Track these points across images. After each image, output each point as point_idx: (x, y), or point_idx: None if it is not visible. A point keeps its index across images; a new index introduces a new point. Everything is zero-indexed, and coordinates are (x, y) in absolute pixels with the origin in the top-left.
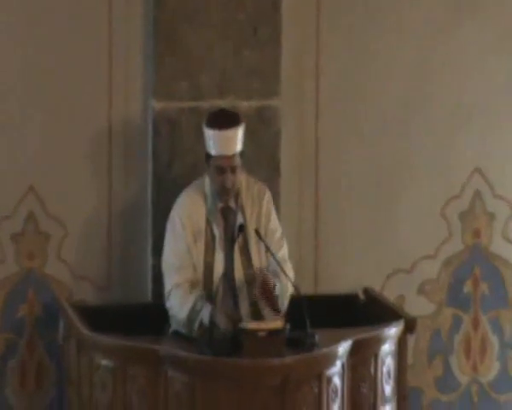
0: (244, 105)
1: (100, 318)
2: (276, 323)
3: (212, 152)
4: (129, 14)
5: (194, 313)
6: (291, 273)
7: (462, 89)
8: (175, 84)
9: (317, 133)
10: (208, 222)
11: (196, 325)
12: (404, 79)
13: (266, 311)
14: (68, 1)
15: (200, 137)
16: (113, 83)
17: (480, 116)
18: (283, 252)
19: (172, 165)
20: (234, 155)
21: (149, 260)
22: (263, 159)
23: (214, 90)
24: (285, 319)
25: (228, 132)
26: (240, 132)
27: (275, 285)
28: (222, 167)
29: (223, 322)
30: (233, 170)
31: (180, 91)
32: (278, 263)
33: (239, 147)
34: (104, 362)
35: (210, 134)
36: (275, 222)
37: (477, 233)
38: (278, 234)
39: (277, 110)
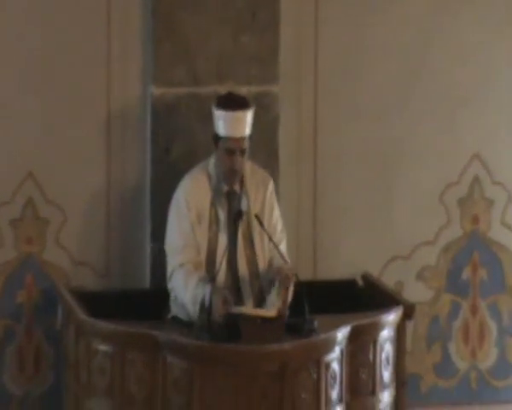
0: (243, 91)
1: (98, 303)
2: (270, 311)
3: (222, 133)
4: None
5: (196, 293)
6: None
7: (461, 74)
8: (173, 69)
9: (316, 118)
10: (213, 205)
11: (198, 306)
12: (402, 63)
13: (272, 300)
14: None
15: (199, 122)
16: (112, 69)
17: (479, 102)
18: (282, 246)
19: (171, 150)
20: (243, 138)
21: (148, 246)
22: (261, 144)
23: (213, 76)
24: (285, 308)
25: (239, 114)
26: (250, 116)
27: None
28: (231, 149)
29: (217, 307)
30: (242, 153)
31: (178, 77)
32: (277, 247)
33: (248, 130)
34: (102, 347)
35: (221, 115)
36: (276, 215)
37: (476, 219)
38: (279, 227)
39: (276, 96)
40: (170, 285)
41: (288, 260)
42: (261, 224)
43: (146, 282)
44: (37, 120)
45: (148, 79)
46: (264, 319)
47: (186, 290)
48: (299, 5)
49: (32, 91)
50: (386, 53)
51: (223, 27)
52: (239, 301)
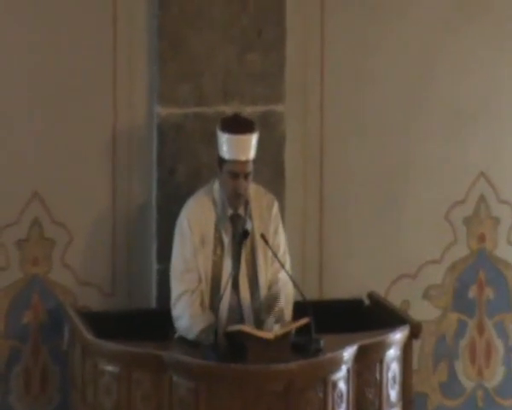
0: (248, 110)
1: (104, 324)
2: (268, 333)
3: (227, 156)
4: (133, 18)
5: (201, 338)
6: (291, 293)
7: (467, 91)
8: (179, 89)
9: (322, 136)
10: (217, 228)
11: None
12: (408, 80)
13: (269, 324)
14: (72, 7)
15: (205, 143)
16: (118, 88)
17: (485, 120)
18: (286, 268)
19: (177, 170)
20: (248, 162)
21: (154, 266)
22: (268, 162)
23: (219, 95)
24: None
25: (244, 137)
26: (255, 139)
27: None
28: (235, 173)
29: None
30: (246, 176)
31: (184, 97)
32: (283, 266)
33: (253, 154)
34: (109, 368)
35: (226, 138)
36: (281, 237)
37: (482, 238)
38: (282, 249)
39: (282, 115)
40: (174, 313)
41: (288, 287)
42: (266, 242)
43: (152, 302)
44: (43, 139)
45: (154, 99)
46: (269, 340)
47: (190, 332)
48: (305, 23)
49: (37, 111)
50: (392, 70)
51: (228, 46)
52: (241, 322)
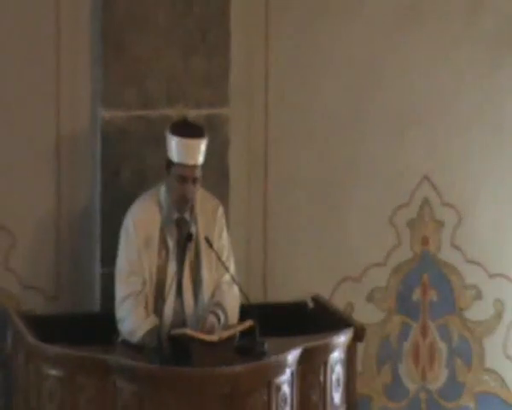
0: (193, 113)
1: (48, 327)
2: (212, 336)
3: (176, 160)
4: (77, 21)
5: (144, 341)
6: (235, 296)
7: (411, 94)
8: (123, 92)
9: (266, 140)
10: (162, 231)
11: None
12: (354, 84)
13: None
14: (14, 9)
15: (149, 146)
16: (61, 91)
17: (429, 123)
18: (230, 273)
19: (121, 174)
20: (196, 166)
21: (98, 270)
22: (212, 166)
23: (163, 99)
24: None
25: (194, 142)
26: (204, 144)
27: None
28: (184, 177)
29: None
30: (194, 181)
31: (128, 100)
32: (227, 269)
33: (202, 159)
34: (52, 372)
35: (175, 142)
36: (225, 241)
37: (425, 241)
38: (226, 253)
39: (226, 118)
40: (118, 315)
41: (232, 291)
42: (210, 245)
43: (96, 306)
44: None
45: (98, 102)
46: (214, 343)
47: (134, 335)
48: (249, 26)
49: None
50: (337, 73)
51: (172, 49)
52: (185, 326)
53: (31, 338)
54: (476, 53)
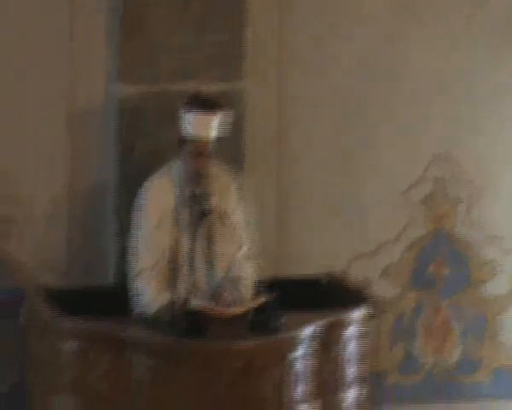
0: (208, 89)
1: (62, 302)
2: (227, 311)
3: (190, 134)
4: None
5: (159, 315)
6: (251, 271)
7: (425, 72)
8: (138, 67)
9: (281, 115)
10: (176, 207)
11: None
12: (371, 58)
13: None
14: None
15: (164, 121)
16: (76, 66)
17: (442, 99)
18: (245, 247)
19: (135, 149)
20: (210, 140)
21: (112, 244)
22: (227, 142)
23: (178, 74)
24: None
25: (208, 116)
26: (219, 118)
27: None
28: (198, 151)
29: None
30: (208, 155)
31: (144, 75)
32: (242, 244)
33: (216, 133)
34: (67, 345)
35: (189, 116)
36: (240, 216)
37: (440, 217)
38: (241, 228)
39: (241, 94)
40: (132, 291)
41: (248, 265)
42: (225, 221)
43: (110, 278)
44: (0, 119)
45: (114, 77)
46: (229, 318)
47: (149, 307)
48: (264, 0)
49: None
50: (354, 46)
51: (188, 24)
52: (199, 300)
53: (45, 312)
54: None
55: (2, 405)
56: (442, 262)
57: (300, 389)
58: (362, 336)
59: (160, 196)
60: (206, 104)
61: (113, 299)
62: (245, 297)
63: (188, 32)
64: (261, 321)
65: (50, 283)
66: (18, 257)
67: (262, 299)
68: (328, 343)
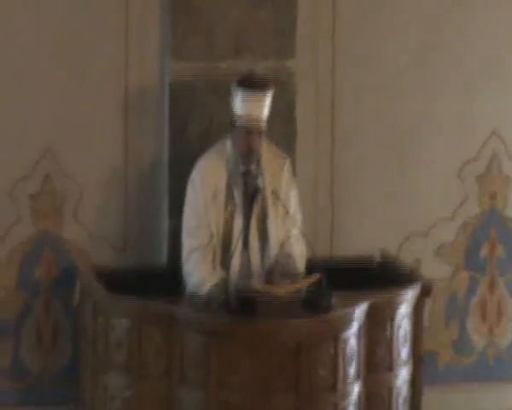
0: (260, 65)
1: (116, 279)
2: (279, 289)
3: (241, 112)
4: None
5: (212, 294)
6: (303, 250)
7: (479, 50)
8: (191, 45)
9: (333, 94)
10: (228, 185)
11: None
12: (421, 37)
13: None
14: None
15: (216, 98)
16: (129, 43)
17: (497, 78)
18: (298, 227)
19: (188, 126)
20: (262, 119)
21: (165, 222)
22: (279, 119)
23: (230, 50)
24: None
25: (260, 95)
26: (269, 97)
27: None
28: (249, 129)
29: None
30: (259, 133)
31: (196, 52)
32: (294, 223)
33: (267, 112)
34: (120, 323)
35: (241, 94)
36: (292, 194)
37: (494, 196)
38: (294, 207)
39: (294, 70)
40: (186, 269)
41: (299, 245)
42: (278, 199)
43: (163, 257)
44: (55, 96)
45: (166, 54)
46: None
47: (200, 286)
48: None
49: (48, 67)
50: (405, 28)
51: (240, 0)
52: (251, 279)
53: (99, 289)
54: None
55: (57, 381)
56: (495, 241)
57: (353, 368)
58: (414, 315)
59: (212, 174)
60: (257, 84)
61: (166, 278)
62: (297, 276)
63: (241, 7)
64: (313, 300)
65: (105, 260)
66: (73, 236)
67: (314, 277)
68: (380, 322)
